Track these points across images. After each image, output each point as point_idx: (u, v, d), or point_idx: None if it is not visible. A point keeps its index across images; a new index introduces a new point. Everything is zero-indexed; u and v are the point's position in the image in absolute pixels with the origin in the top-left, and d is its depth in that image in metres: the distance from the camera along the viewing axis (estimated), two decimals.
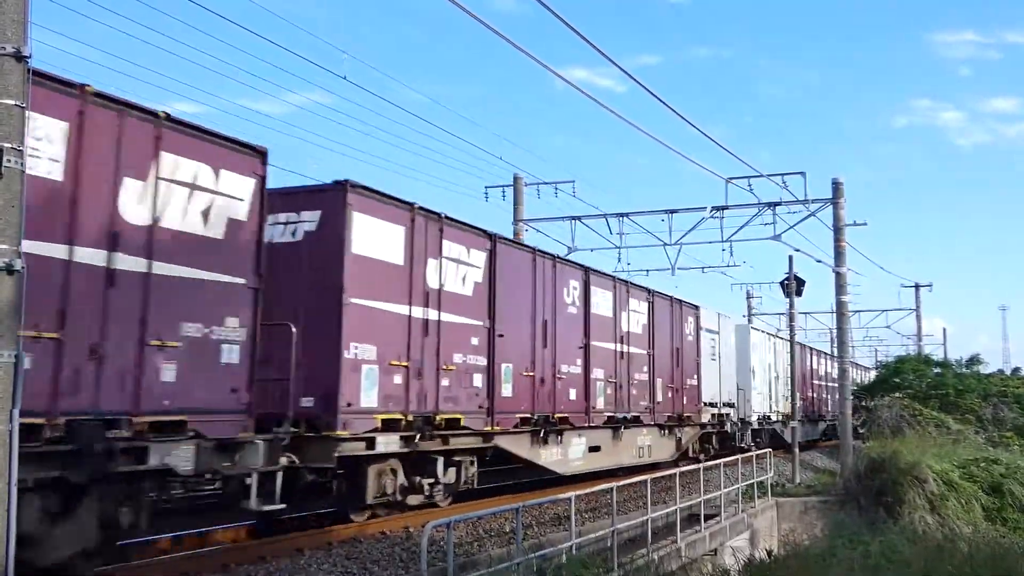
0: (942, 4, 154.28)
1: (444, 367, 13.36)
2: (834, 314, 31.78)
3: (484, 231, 14.99)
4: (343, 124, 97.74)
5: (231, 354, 9.57)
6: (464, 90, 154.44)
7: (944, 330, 68.53)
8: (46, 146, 7.80)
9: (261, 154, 10.15)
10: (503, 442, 15.14)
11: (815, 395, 40.84)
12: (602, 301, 19.31)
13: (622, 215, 27.17)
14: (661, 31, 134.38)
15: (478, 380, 14.38)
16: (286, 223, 11.82)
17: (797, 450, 25.60)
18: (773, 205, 25.37)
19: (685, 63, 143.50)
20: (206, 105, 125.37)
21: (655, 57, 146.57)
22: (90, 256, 8.19)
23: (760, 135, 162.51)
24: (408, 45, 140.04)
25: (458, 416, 13.76)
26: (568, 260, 19.20)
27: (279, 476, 10.08)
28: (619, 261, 27.52)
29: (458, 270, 14.06)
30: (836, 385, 33.32)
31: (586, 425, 18.14)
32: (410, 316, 12.70)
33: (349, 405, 11.44)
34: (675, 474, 15.70)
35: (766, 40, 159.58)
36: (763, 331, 35.11)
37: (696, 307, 25.42)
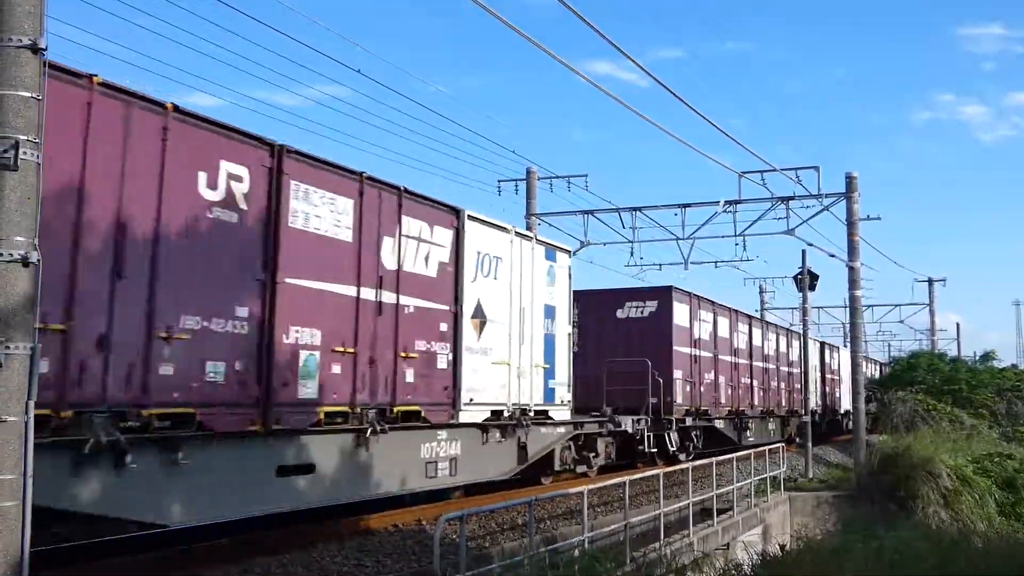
0: None
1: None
2: (847, 308, 31.67)
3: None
4: (357, 117, 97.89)
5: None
6: (478, 82, 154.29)
7: (958, 325, 68.26)
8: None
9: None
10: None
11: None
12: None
13: (635, 209, 26.98)
14: (685, 25, 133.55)
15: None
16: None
17: (810, 444, 25.58)
18: (786, 199, 25.25)
19: (708, 57, 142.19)
20: (222, 98, 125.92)
21: (678, 51, 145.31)
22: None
23: (779, 129, 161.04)
24: (421, 38, 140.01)
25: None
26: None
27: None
28: (632, 255, 27.51)
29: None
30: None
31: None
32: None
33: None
34: (688, 468, 15.69)
35: (789, 34, 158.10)
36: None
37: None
